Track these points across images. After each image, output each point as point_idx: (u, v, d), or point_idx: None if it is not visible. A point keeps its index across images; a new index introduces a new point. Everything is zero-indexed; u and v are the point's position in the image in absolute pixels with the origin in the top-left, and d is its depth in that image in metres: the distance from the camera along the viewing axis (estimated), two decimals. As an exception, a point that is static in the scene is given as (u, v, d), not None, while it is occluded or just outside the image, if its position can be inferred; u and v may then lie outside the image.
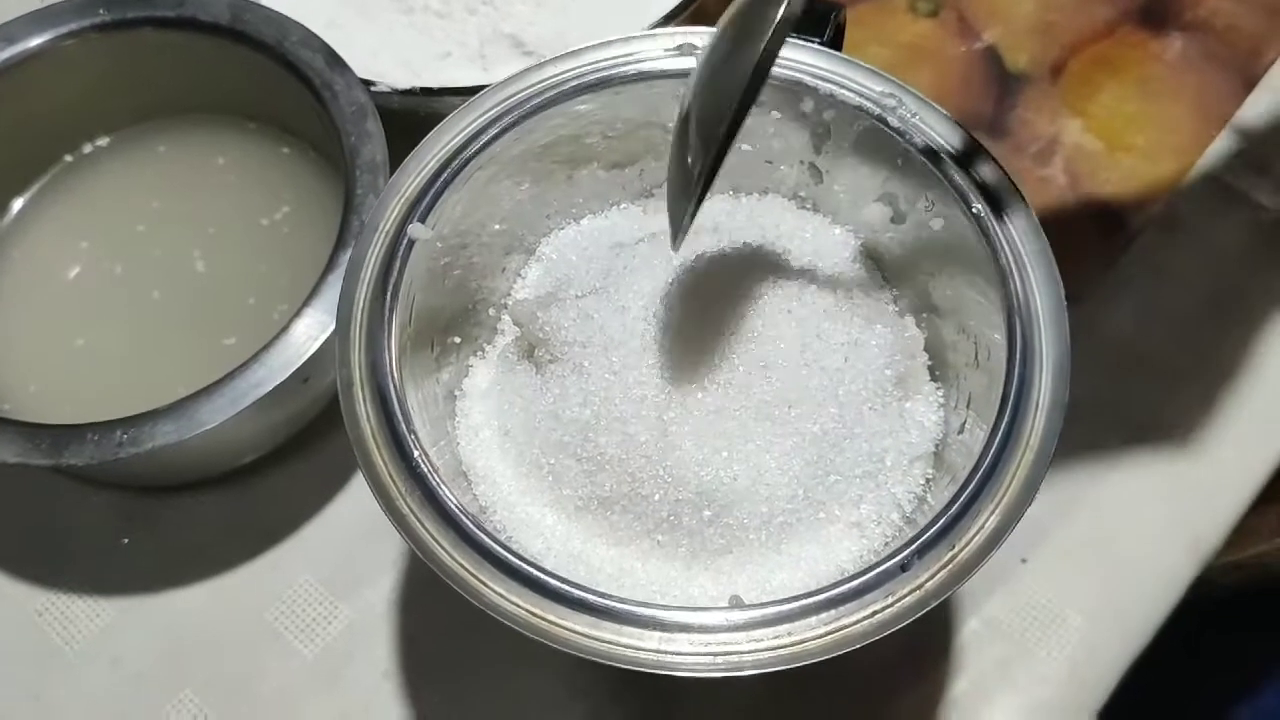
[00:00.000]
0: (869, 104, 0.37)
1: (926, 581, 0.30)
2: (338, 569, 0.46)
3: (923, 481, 0.36)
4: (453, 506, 0.31)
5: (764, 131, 0.39)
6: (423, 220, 0.35)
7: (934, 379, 0.38)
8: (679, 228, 0.33)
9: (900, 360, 0.36)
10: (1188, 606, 0.45)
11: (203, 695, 0.44)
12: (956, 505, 0.31)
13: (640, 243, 0.39)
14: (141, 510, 0.47)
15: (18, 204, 0.51)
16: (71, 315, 0.48)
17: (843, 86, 0.37)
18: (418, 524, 0.31)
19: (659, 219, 0.41)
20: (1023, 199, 0.35)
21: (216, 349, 0.47)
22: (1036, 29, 0.57)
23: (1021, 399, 0.32)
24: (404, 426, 0.32)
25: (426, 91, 0.47)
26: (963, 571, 0.30)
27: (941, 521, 0.30)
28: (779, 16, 0.30)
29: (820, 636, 0.29)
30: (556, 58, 0.38)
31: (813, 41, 0.38)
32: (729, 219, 0.40)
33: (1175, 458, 0.47)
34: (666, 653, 0.29)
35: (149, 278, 0.49)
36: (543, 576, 0.30)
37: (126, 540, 0.47)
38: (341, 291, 0.34)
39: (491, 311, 0.40)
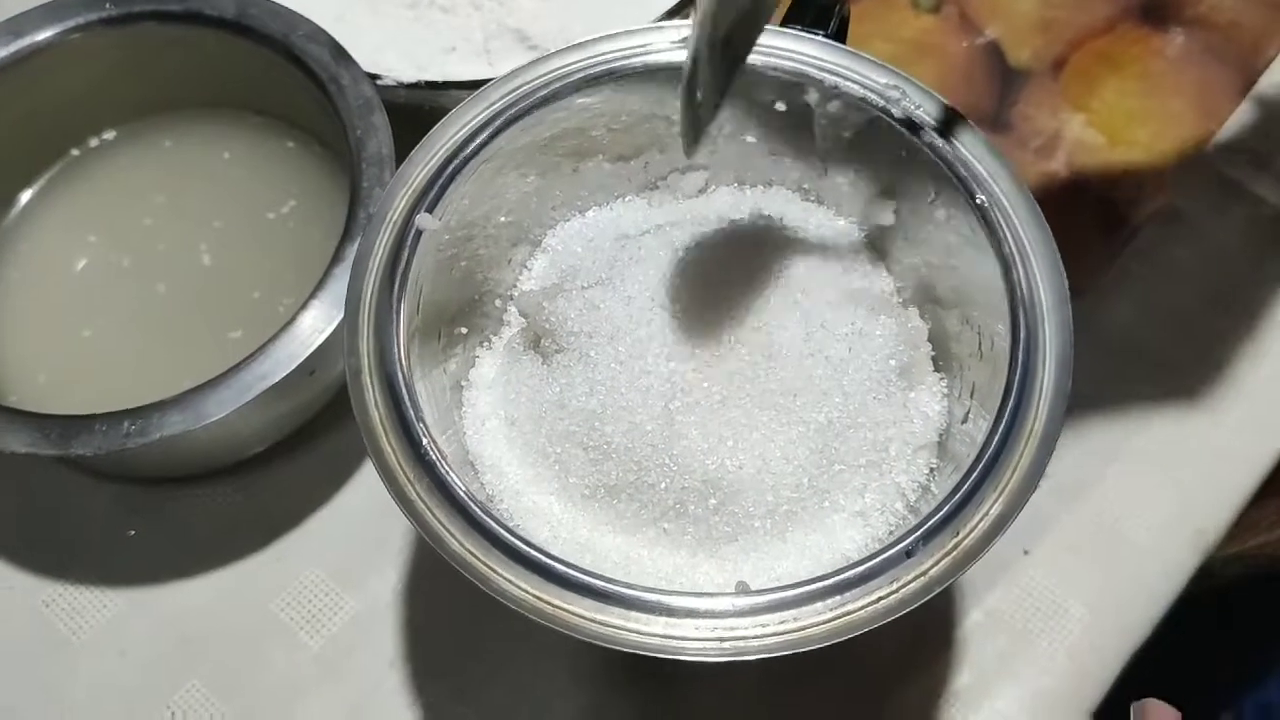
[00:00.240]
0: (873, 96, 0.37)
1: (931, 568, 0.30)
2: (343, 560, 0.46)
3: (926, 471, 0.36)
4: (461, 493, 0.31)
5: (769, 124, 0.39)
6: (430, 211, 0.36)
7: (938, 369, 0.38)
8: (698, 128, 0.34)
9: (904, 350, 0.37)
10: (1189, 598, 0.45)
11: (209, 685, 0.44)
12: (961, 492, 0.31)
13: (646, 234, 0.39)
14: (148, 502, 0.47)
15: (25, 197, 0.51)
16: (78, 307, 0.48)
17: (847, 78, 0.37)
18: (426, 511, 0.31)
19: (664, 211, 0.41)
20: (1026, 190, 0.35)
21: (222, 342, 0.47)
22: (1038, 25, 0.58)
23: (1025, 389, 0.33)
24: (412, 414, 0.32)
25: (432, 85, 0.47)
26: (966, 558, 0.30)
27: (946, 508, 0.31)
28: None
29: (825, 622, 0.30)
30: (561, 50, 0.38)
31: (817, 34, 0.38)
32: (733, 211, 0.40)
33: (1176, 450, 0.48)
34: (673, 637, 0.29)
35: (155, 271, 0.49)
36: (550, 562, 0.30)
37: (133, 532, 0.47)
38: (350, 281, 0.35)
39: (498, 303, 0.41)
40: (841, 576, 0.30)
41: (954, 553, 0.30)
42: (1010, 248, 0.34)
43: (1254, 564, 0.54)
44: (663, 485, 0.34)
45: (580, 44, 0.38)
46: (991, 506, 0.31)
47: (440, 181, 0.36)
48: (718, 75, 0.33)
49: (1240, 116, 0.55)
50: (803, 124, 0.39)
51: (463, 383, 0.39)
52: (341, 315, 0.35)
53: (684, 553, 0.35)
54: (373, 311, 0.34)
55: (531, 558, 0.30)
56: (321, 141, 0.51)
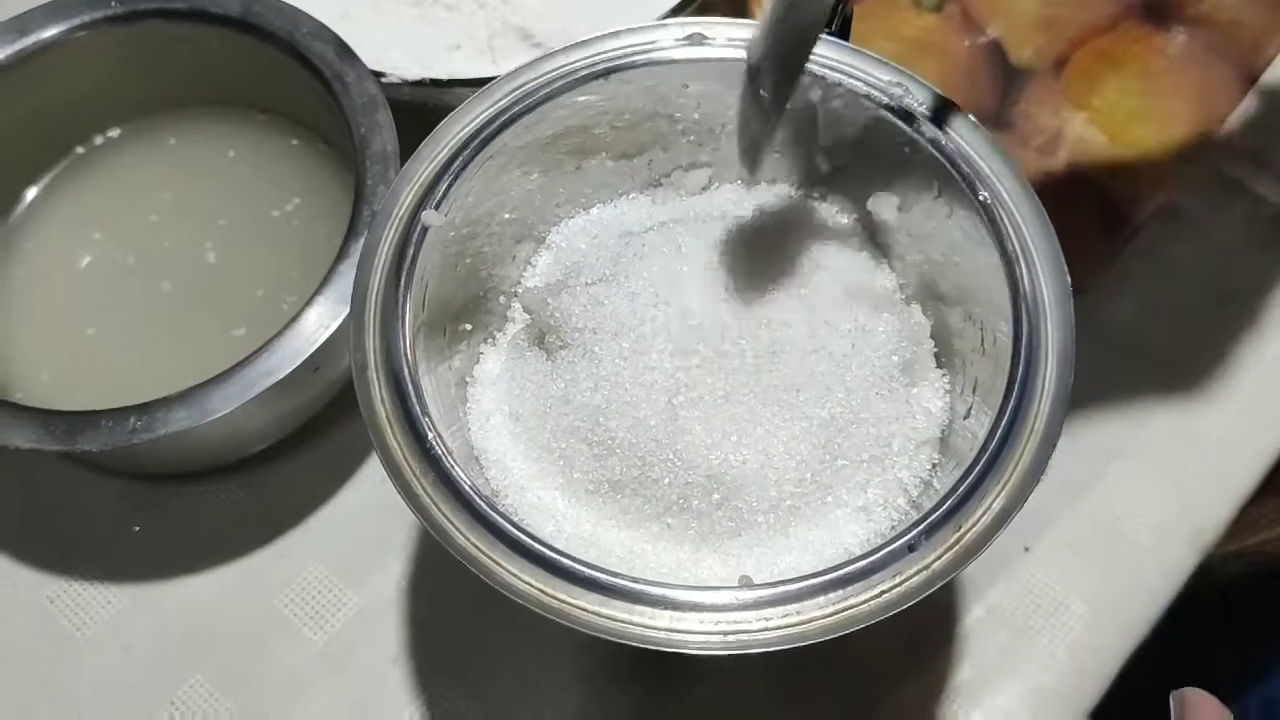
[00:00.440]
0: (876, 92, 0.37)
1: (933, 562, 0.30)
2: (346, 557, 0.46)
3: (929, 466, 0.36)
4: (466, 488, 0.31)
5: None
6: (435, 208, 0.36)
7: (940, 365, 0.38)
8: (757, 152, 0.37)
9: (907, 347, 0.37)
10: (1190, 595, 0.46)
11: (213, 681, 0.44)
12: (963, 487, 0.31)
13: (649, 231, 0.39)
14: (152, 498, 0.48)
15: (30, 194, 0.51)
16: (83, 305, 0.49)
17: (850, 75, 0.37)
18: (432, 505, 0.31)
19: (667, 208, 0.42)
20: (1028, 188, 0.35)
21: (226, 340, 0.47)
22: (1039, 23, 0.58)
23: (1027, 385, 0.33)
24: (418, 409, 0.33)
25: (436, 83, 0.47)
26: (969, 553, 0.30)
27: (948, 503, 0.31)
28: None
29: (828, 616, 0.30)
30: (565, 48, 0.38)
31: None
32: (737, 208, 0.41)
33: (1177, 447, 0.48)
34: (677, 631, 0.29)
35: (160, 268, 0.49)
36: (555, 556, 0.30)
37: (138, 528, 0.47)
38: (356, 276, 0.35)
39: (502, 299, 0.41)
40: (844, 571, 0.30)
41: (956, 547, 0.31)
42: (1013, 245, 0.35)
43: (1254, 561, 0.54)
44: (666, 480, 0.34)
45: (584, 42, 0.38)
46: (993, 502, 0.31)
47: (445, 178, 0.36)
48: (780, 88, 0.34)
49: (1241, 115, 0.55)
50: (806, 121, 0.39)
51: (467, 379, 0.39)
52: (346, 312, 0.35)
53: (687, 547, 0.35)
54: (378, 307, 0.34)
55: (536, 552, 0.30)
56: (326, 139, 0.51)
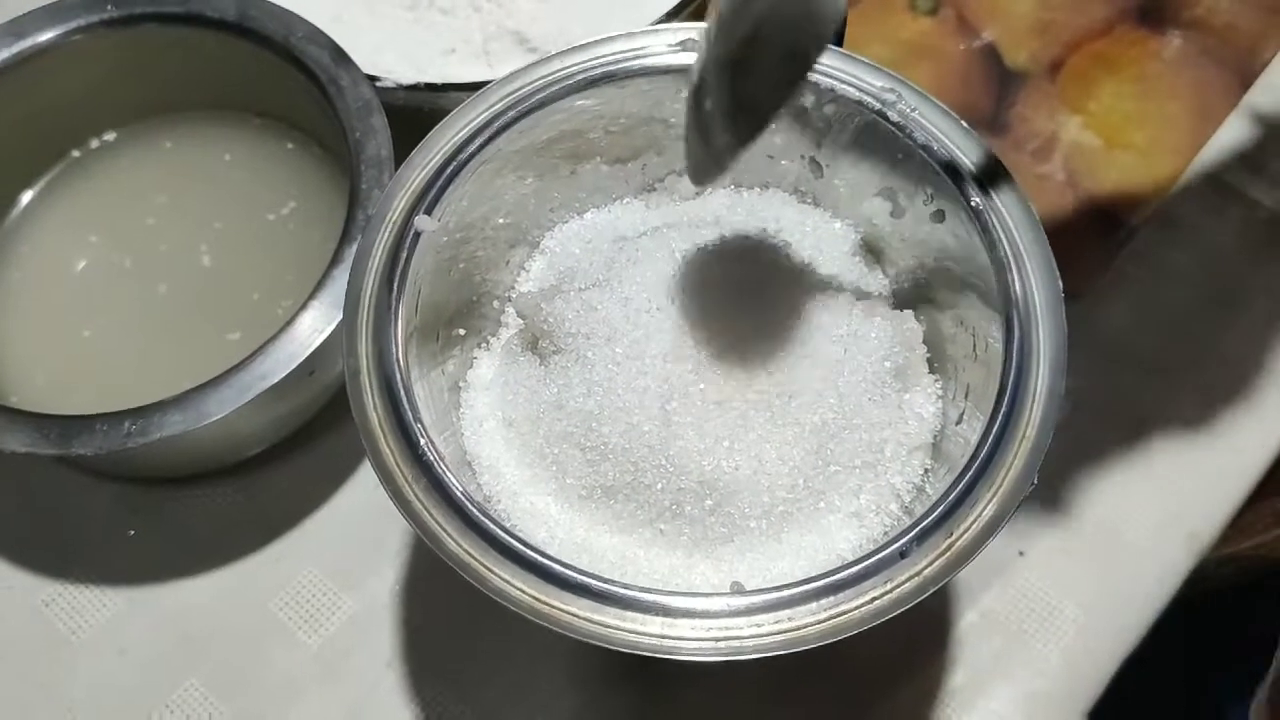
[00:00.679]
0: (869, 99, 0.37)
1: (925, 568, 0.30)
2: (341, 561, 0.46)
3: (921, 472, 0.36)
4: (458, 494, 0.31)
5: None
6: (429, 213, 0.36)
7: (932, 371, 0.38)
8: (715, 162, 0.32)
9: (899, 352, 0.37)
10: (1184, 599, 0.46)
11: (208, 685, 0.44)
12: (955, 493, 0.31)
13: (643, 236, 0.39)
14: (148, 502, 0.48)
15: (26, 198, 0.51)
16: (79, 308, 0.49)
17: (843, 81, 0.37)
18: (424, 511, 0.31)
19: (661, 213, 0.42)
20: (1021, 193, 0.36)
21: (221, 344, 0.47)
22: (1035, 27, 0.58)
23: (1019, 390, 0.33)
24: (410, 415, 0.33)
25: (431, 87, 0.47)
26: (960, 559, 0.31)
27: (940, 509, 0.31)
28: None
29: (820, 622, 0.30)
30: (559, 53, 0.38)
31: (814, 37, 0.38)
32: (730, 213, 0.41)
33: (1171, 452, 0.48)
34: (669, 637, 0.30)
35: (156, 272, 0.49)
36: (547, 562, 0.30)
37: (133, 531, 0.47)
38: (349, 281, 0.35)
39: (495, 304, 0.41)
40: (836, 577, 0.30)
41: (948, 553, 0.31)
42: (1005, 250, 0.35)
43: (1248, 565, 0.54)
44: (659, 486, 0.35)
45: (579, 46, 0.39)
46: (985, 507, 0.31)
47: (439, 183, 0.36)
48: (728, 105, 0.30)
49: (1236, 119, 0.55)
50: (799, 126, 0.39)
51: (460, 384, 0.39)
52: (340, 316, 0.35)
53: (680, 553, 0.35)
54: (371, 312, 0.34)
55: (529, 558, 0.31)
56: (321, 143, 0.51)
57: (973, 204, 0.35)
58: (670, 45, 0.38)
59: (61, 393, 0.46)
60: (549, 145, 0.39)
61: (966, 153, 0.36)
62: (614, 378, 0.35)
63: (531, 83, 0.38)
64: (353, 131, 0.45)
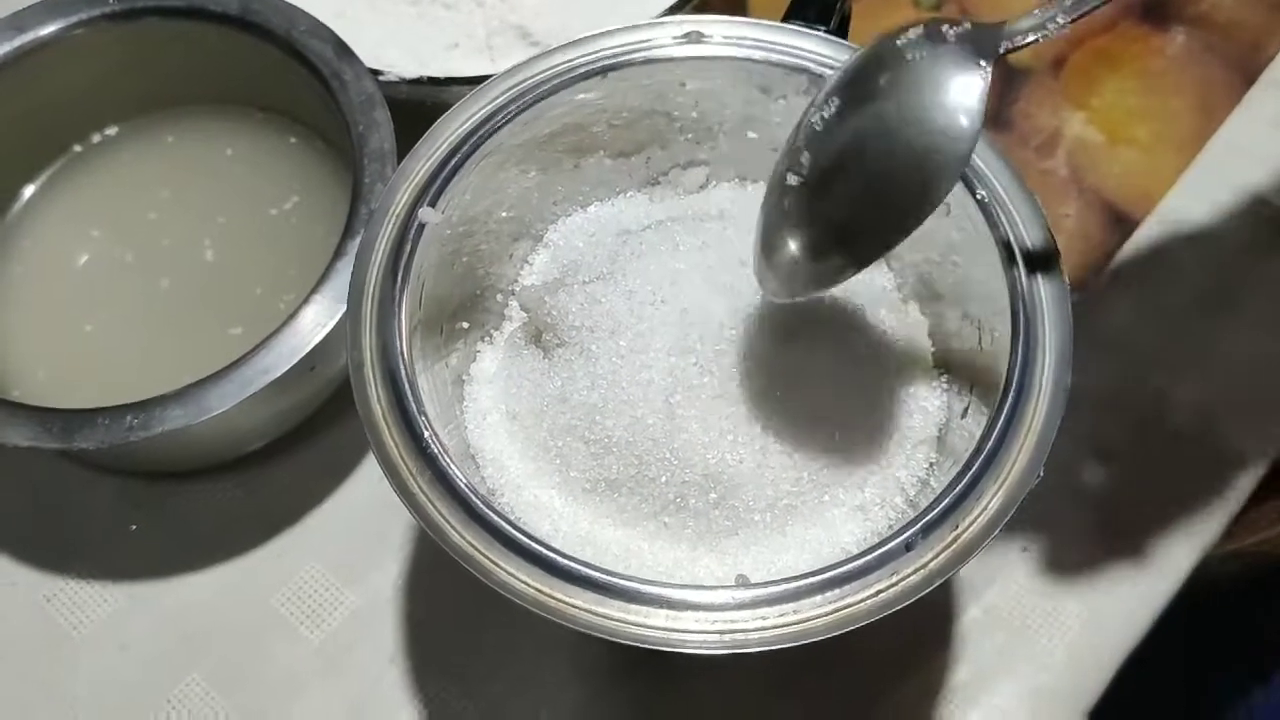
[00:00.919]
0: (874, 92, 0.37)
1: (930, 561, 0.30)
2: (343, 556, 0.46)
3: (926, 465, 0.36)
4: (462, 486, 0.31)
5: (770, 119, 0.39)
6: (432, 206, 0.36)
7: (937, 365, 0.38)
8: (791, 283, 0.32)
9: (904, 346, 0.37)
10: (1187, 595, 0.46)
11: (210, 680, 0.44)
12: (960, 485, 0.31)
13: (647, 229, 0.39)
14: (149, 497, 0.48)
15: (28, 192, 0.51)
16: (81, 302, 0.49)
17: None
18: (428, 503, 0.31)
19: (665, 207, 0.42)
20: (1026, 186, 0.35)
21: (223, 338, 0.47)
22: (1038, 23, 0.58)
23: (1024, 384, 0.33)
24: (414, 407, 0.32)
25: (434, 81, 0.47)
26: (966, 551, 0.30)
27: (945, 501, 0.31)
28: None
29: (825, 615, 0.30)
30: (562, 46, 0.38)
31: (819, 30, 0.38)
32: (735, 206, 0.40)
33: (1175, 449, 0.48)
34: (674, 630, 0.29)
35: (159, 266, 0.49)
36: (551, 555, 0.30)
37: (135, 527, 0.47)
38: (353, 274, 0.35)
39: (499, 297, 0.41)
40: (841, 570, 0.30)
41: (953, 546, 0.31)
42: (1010, 244, 0.35)
43: (1252, 561, 0.54)
44: (663, 479, 0.34)
45: (581, 40, 0.38)
46: (990, 500, 0.31)
47: (442, 176, 0.36)
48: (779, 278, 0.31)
49: (1239, 115, 0.55)
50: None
51: (464, 377, 0.39)
52: (343, 310, 0.35)
53: (684, 546, 0.35)
54: (375, 306, 0.34)
55: (533, 551, 0.30)
56: (324, 137, 0.51)
57: (978, 197, 0.35)
58: (674, 38, 0.38)
59: (63, 387, 0.46)
60: (552, 139, 0.39)
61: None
62: (618, 371, 0.35)
63: (534, 76, 0.38)
64: (355, 125, 0.45)
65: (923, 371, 0.38)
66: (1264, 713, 0.57)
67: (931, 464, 0.36)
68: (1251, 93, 0.56)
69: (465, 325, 0.39)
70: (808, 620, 0.30)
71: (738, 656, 0.29)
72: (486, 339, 0.40)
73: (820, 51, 0.38)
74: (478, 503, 0.31)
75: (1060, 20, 0.29)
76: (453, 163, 0.37)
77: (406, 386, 0.33)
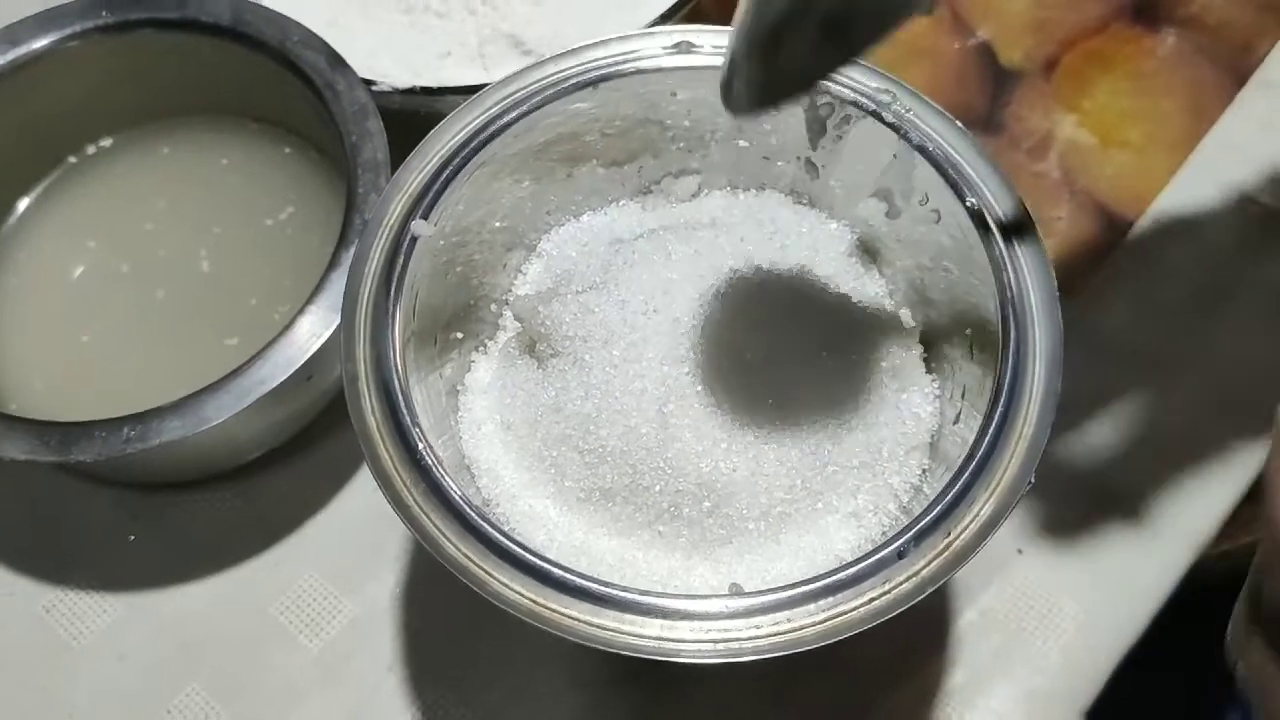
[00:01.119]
0: (864, 99, 0.37)
1: (923, 568, 0.30)
2: (341, 565, 0.46)
3: (919, 472, 0.36)
4: (457, 498, 0.32)
5: (761, 128, 0.40)
6: (425, 217, 0.36)
7: (929, 371, 0.39)
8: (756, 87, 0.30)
9: (896, 352, 0.37)
10: (1183, 595, 0.46)
11: (209, 689, 0.44)
12: (952, 493, 0.31)
13: (639, 239, 0.39)
14: (147, 507, 0.48)
15: (23, 204, 0.51)
16: (77, 314, 0.49)
17: (838, 83, 0.37)
18: (423, 515, 0.31)
19: (657, 215, 0.42)
20: (1016, 192, 0.36)
21: (219, 349, 0.47)
22: (1030, 25, 0.58)
23: (1015, 388, 0.33)
24: (408, 419, 0.33)
25: (427, 91, 0.47)
26: (958, 558, 0.31)
27: (937, 509, 0.31)
28: None
29: (819, 623, 0.30)
30: (555, 56, 0.39)
31: (808, 39, 0.38)
32: (726, 214, 0.41)
33: (1169, 447, 0.48)
34: (668, 639, 0.30)
35: (154, 277, 0.49)
36: (546, 566, 0.30)
37: (133, 537, 0.47)
38: (346, 286, 0.35)
39: (493, 307, 0.41)
40: (834, 577, 0.30)
41: (946, 553, 0.31)
42: (1000, 249, 0.35)
43: (1246, 560, 0.54)
44: (657, 488, 0.35)
45: (574, 50, 0.39)
46: (983, 506, 0.31)
47: (435, 187, 0.37)
48: (757, 82, 0.29)
49: (1231, 116, 0.55)
50: (794, 128, 0.39)
51: (458, 387, 0.39)
52: (338, 321, 0.35)
53: (679, 555, 0.35)
54: (369, 317, 0.34)
55: (528, 562, 0.31)
56: (318, 147, 0.51)
57: (968, 204, 0.35)
58: (665, 48, 0.38)
59: (60, 398, 0.46)
60: (545, 148, 0.39)
61: (962, 153, 0.36)
62: (611, 380, 0.35)
63: (527, 86, 0.38)
64: (349, 135, 0.45)
65: (914, 378, 0.38)
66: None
67: (924, 470, 0.36)
68: (1242, 93, 0.56)
69: (459, 335, 0.39)
70: (801, 629, 0.30)
71: (733, 665, 0.30)
72: (481, 349, 0.40)
73: (810, 60, 0.38)
74: (472, 514, 0.31)
75: None
76: (446, 173, 0.37)
77: (400, 398, 0.33)
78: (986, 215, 0.35)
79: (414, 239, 0.36)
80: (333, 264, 0.42)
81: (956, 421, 0.36)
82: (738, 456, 0.35)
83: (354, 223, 0.43)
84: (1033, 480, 0.32)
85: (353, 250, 0.36)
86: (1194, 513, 0.47)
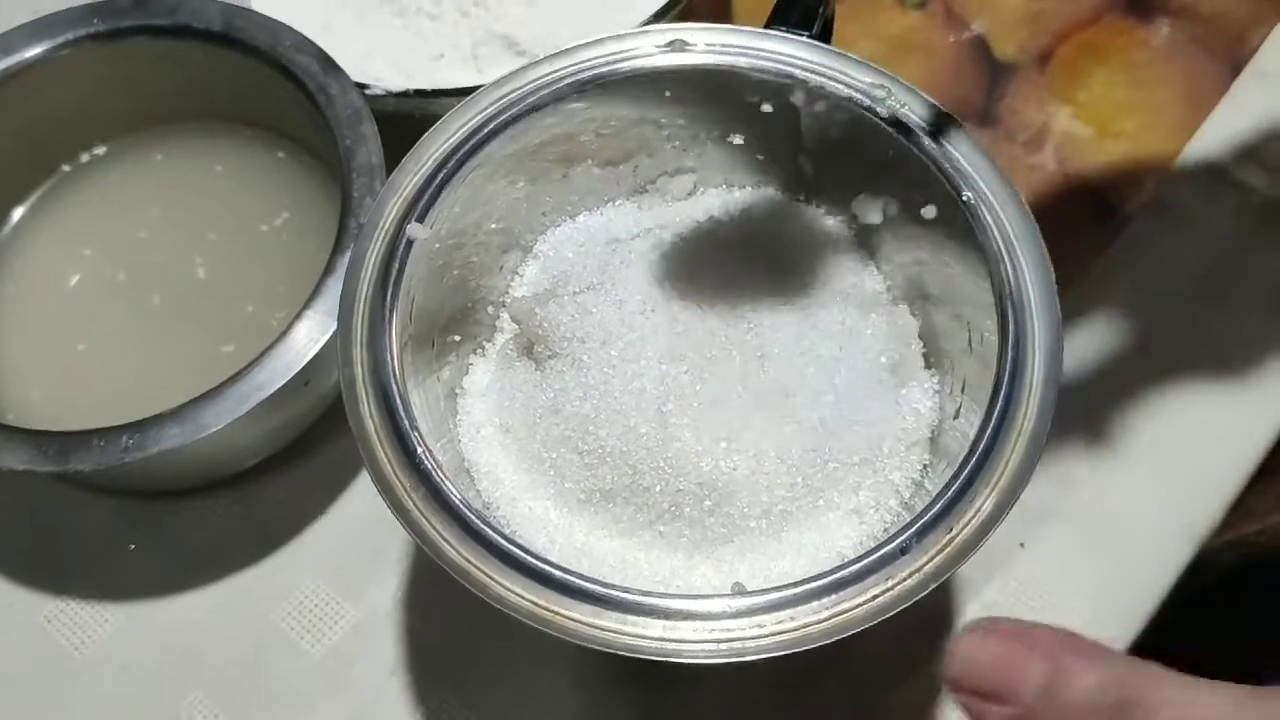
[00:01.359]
0: (859, 95, 0.37)
1: (925, 564, 0.30)
2: (342, 570, 0.46)
3: (920, 467, 0.36)
4: (457, 501, 0.31)
5: (755, 125, 0.39)
6: (421, 220, 0.36)
7: (929, 366, 0.38)
8: None
9: (895, 348, 0.37)
10: (1186, 587, 0.46)
11: (212, 697, 0.44)
12: (954, 488, 0.31)
13: (636, 238, 0.39)
14: (147, 516, 0.48)
15: (17, 214, 0.51)
16: (73, 321, 0.49)
17: (832, 79, 0.37)
18: (423, 519, 0.31)
19: (653, 214, 0.42)
20: (1012, 186, 0.35)
21: (216, 356, 0.47)
22: (1024, 18, 0.58)
23: (1015, 383, 0.33)
24: (407, 423, 0.32)
25: (420, 93, 0.47)
26: (961, 554, 0.30)
27: (939, 505, 0.31)
28: None
29: (822, 621, 0.30)
30: (549, 56, 0.38)
31: (801, 35, 0.38)
32: (723, 212, 0.41)
33: (1170, 439, 0.48)
34: (670, 640, 0.29)
35: (150, 284, 0.49)
36: (547, 568, 0.30)
37: (133, 546, 0.47)
38: (343, 290, 0.35)
39: (490, 309, 0.41)
40: (837, 575, 0.30)
41: (948, 548, 0.31)
42: (997, 243, 0.35)
43: (1250, 551, 0.54)
44: (658, 488, 0.34)
45: (568, 50, 0.38)
46: (985, 501, 0.31)
47: (430, 190, 0.36)
48: None
49: (1226, 105, 0.55)
50: (789, 125, 0.39)
51: (457, 390, 0.39)
52: (335, 326, 0.35)
53: (680, 555, 0.35)
54: (365, 321, 0.34)
55: (528, 564, 0.30)
56: (312, 152, 0.51)
57: (964, 198, 0.35)
58: (659, 46, 0.38)
59: (57, 407, 0.46)
60: (540, 149, 0.39)
61: (958, 147, 0.36)
62: (610, 381, 0.35)
63: (521, 87, 0.38)
64: (343, 139, 0.45)
65: (914, 373, 0.38)
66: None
67: (925, 466, 0.36)
68: (1237, 83, 0.56)
69: (457, 338, 0.39)
70: (804, 627, 0.30)
71: (736, 664, 0.29)
72: (478, 352, 0.40)
73: (804, 56, 0.38)
74: (472, 518, 0.31)
75: None
76: (441, 176, 0.37)
77: (399, 402, 0.33)
78: (983, 209, 0.35)
79: (410, 242, 0.35)
80: (328, 269, 0.42)
81: (957, 416, 0.36)
82: (738, 454, 0.34)
83: (349, 227, 0.43)
84: (1035, 474, 0.31)
85: (348, 254, 0.36)
86: (1195, 503, 0.46)
